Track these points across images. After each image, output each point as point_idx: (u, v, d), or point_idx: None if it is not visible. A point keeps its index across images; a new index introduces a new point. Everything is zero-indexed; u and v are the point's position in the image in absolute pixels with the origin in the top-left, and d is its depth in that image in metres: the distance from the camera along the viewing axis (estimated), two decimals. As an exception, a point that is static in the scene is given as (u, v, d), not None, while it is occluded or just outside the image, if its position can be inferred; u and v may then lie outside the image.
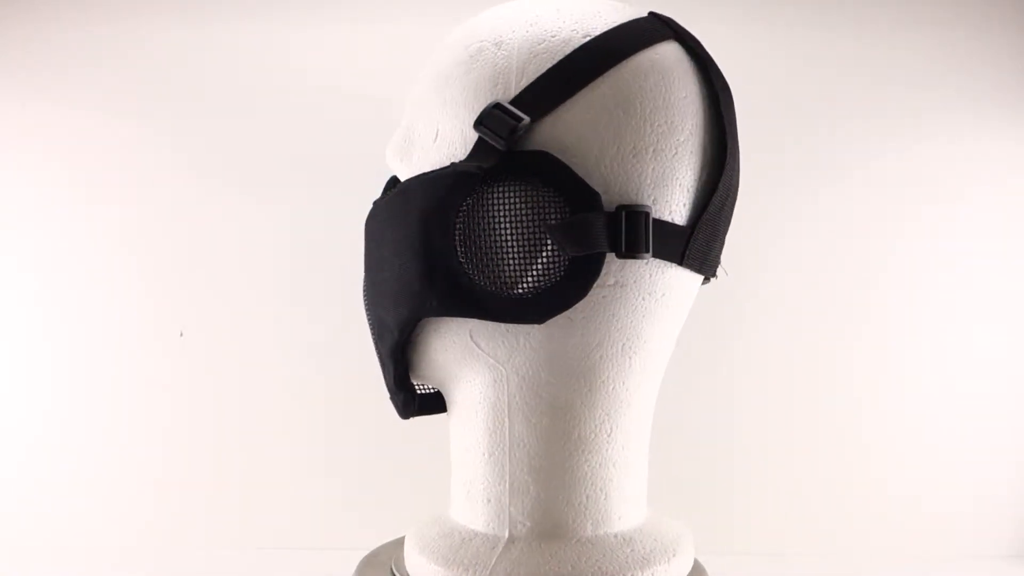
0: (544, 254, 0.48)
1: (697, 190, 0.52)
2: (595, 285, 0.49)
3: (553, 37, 0.50)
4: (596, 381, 0.52)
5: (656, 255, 0.50)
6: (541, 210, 0.48)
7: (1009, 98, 1.12)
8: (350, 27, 1.13)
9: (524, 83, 0.49)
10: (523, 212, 0.48)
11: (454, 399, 0.56)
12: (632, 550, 0.53)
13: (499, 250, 0.49)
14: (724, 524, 1.11)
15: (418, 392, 0.59)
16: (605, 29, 0.51)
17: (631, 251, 0.49)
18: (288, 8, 1.13)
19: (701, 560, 0.62)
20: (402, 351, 0.55)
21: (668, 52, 0.52)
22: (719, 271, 0.58)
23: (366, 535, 0.70)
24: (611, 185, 0.49)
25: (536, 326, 0.51)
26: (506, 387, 0.53)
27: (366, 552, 0.64)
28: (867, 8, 1.12)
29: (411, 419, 0.59)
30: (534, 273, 0.49)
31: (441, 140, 0.52)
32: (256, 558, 1.10)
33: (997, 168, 1.12)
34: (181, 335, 1.14)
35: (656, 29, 0.53)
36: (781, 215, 1.12)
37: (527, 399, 0.52)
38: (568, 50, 0.50)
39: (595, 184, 0.48)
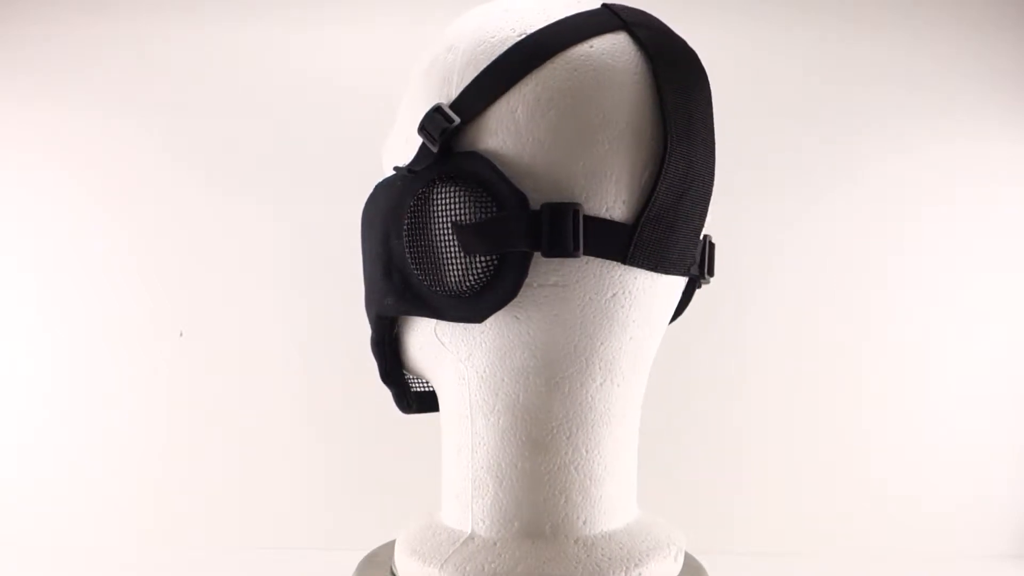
0: (479, 254, 0.49)
1: (641, 185, 0.49)
2: (534, 284, 0.49)
3: (492, 38, 0.50)
4: (551, 382, 0.52)
5: (591, 253, 0.48)
6: (469, 211, 0.48)
7: (1013, 100, 1.12)
8: (350, 27, 1.13)
9: (463, 85, 0.50)
10: (456, 213, 0.49)
11: (438, 396, 0.58)
12: (588, 556, 0.52)
13: (438, 250, 0.49)
14: (724, 524, 1.11)
15: (413, 388, 0.60)
16: (543, 26, 0.50)
17: (555, 249, 0.48)
18: (288, 9, 1.14)
19: (701, 560, 0.62)
20: (382, 346, 0.57)
21: (606, 44, 0.50)
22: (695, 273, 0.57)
23: (366, 535, 0.70)
24: (541, 182, 0.48)
25: (489, 325, 0.51)
26: (468, 385, 0.53)
27: (366, 552, 0.64)
28: (879, 10, 1.12)
29: (412, 419, 0.60)
30: (472, 273, 0.49)
31: (407, 144, 0.53)
32: (256, 558, 1.10)
33: (1000, 170, 1.12)
34: (181, 335, 1.14)
35: (599, 21, 0.51)
36: (781, 216, 1.12)
37: (486, 398, 0.53)
38: (503, 50, 0.50)
39: (525, 182, 0.48)
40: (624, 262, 0.49)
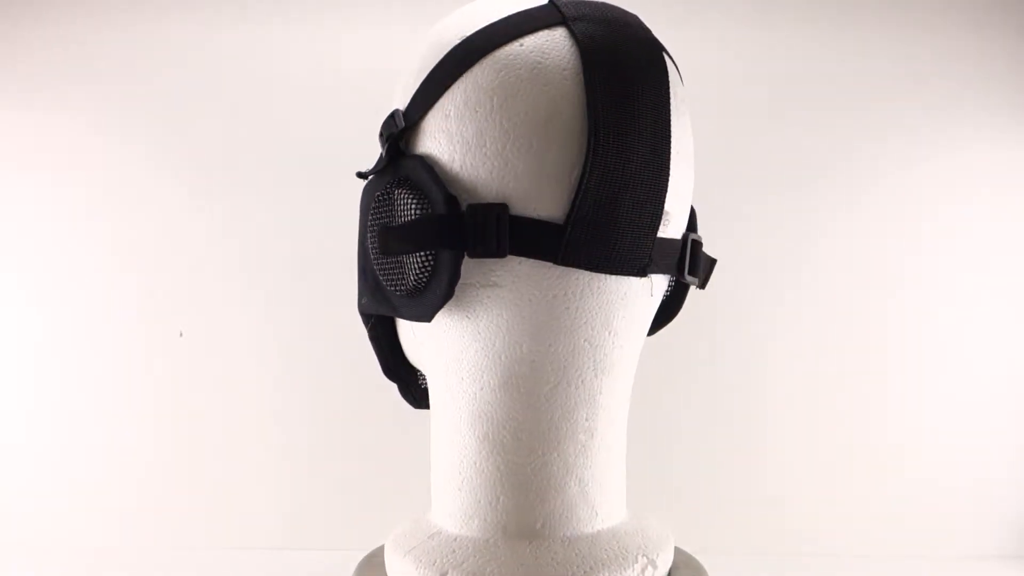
0: (419, 255, 0.50)
1: (570, 185, 0.48)
2: (476, 285, 0.50)
3: (439, 41, 0.51)
4: (505, 383, 0.52)
5: (521, 254, 0.48)
6: (409, 212, 0.50)
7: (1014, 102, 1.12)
8: (349, 27, 1.13)
9: (414, 90, 0.52)
10: (400, 215, 0.50)
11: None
12: (535, 560, 0.51)
13: None
14: (723, 524, 1.11)
15: (421, 384, 0.61)
16: (482, 26, 0.50)
17: (479, 250, 0.48)
18: (287, 9, 1.14)
19: (701, 560, 0.62)
20: (377, 342, 0.59)
21: (539, 41, 0.49)
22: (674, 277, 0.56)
23: (366, 535, 0.70)
24: (471, 184, 0.49)
25: (446, 324, 0.52)
26: (438, 382, 0.55)
27: (366, 552, 0.64)
28: (891, 10, 1.12)
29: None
30: (412, 272, 0.50)
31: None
32: (256, 558, 1.10)
33: (1006, 171, 1.12)
34: (181, 335, 1.14)
35: (537, 17, 0.50)
36: (782, 216, 1.12)
37: (452, 395, 0.54)
38: (444, 52, 0.51)
39: (458, 184, 0.49)
40: (557, 263, 0.48)
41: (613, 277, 0.50)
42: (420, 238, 0.48)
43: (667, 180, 0.49)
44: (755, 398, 1.13)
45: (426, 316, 0.51)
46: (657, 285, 0.54)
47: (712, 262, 0.57)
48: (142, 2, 1.14)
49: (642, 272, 0.50)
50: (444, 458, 0.55)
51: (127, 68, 1.14)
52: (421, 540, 0.55)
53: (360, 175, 0.54)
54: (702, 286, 0.57)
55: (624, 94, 0.48)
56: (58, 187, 1.15)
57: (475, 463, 0.53)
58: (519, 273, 0.50)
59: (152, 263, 1.14)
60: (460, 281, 0.49)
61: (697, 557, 0.62)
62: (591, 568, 0.51)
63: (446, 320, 0.52)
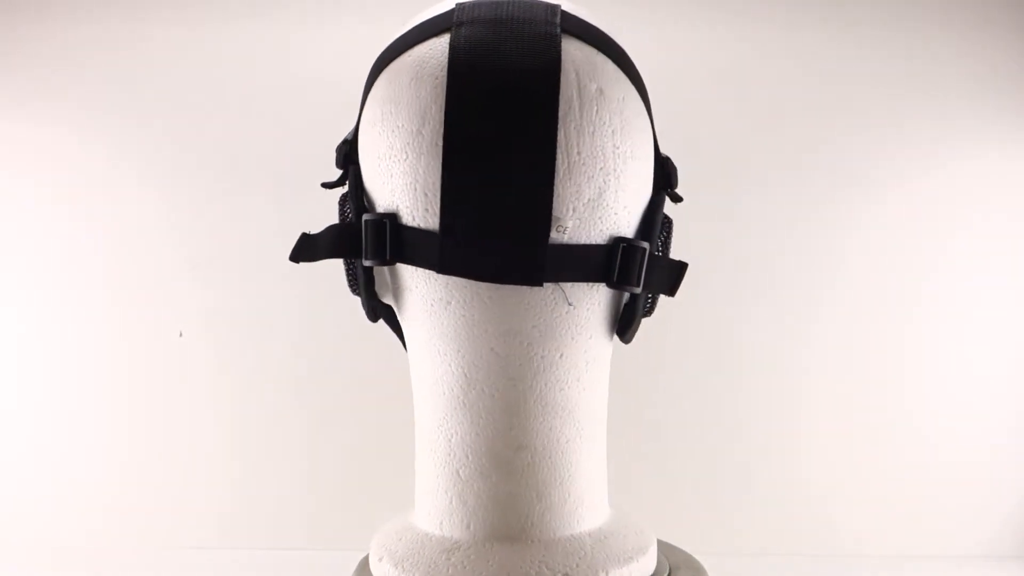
0: (346, 262, 0.55)
1: (439, 193, 0.48)
2: (401, 289, 0.53)
3: (378, 55, 0.54)
4: (433, 385, 0.54)
5: (409, 263, 0.50)
6: (344, 220, 0.54)
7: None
8: (348, 27, 1.13)
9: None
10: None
11: None
12: (447, 560, 0.52)
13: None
14: (723, 524, 1.11)
15: None
16: (394, 38, 0.52)
17: (371, 259, 0.51)
18: (286, 8, 1.14)
19: (701, 560, 0.62)
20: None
21: (424, 50, 0.49)
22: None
23: (366, 535, 0.70)
24: (373, 194, 0.52)
25: (406, 329, 0.55)
26: (413, 385, 0.57)
27: (366, 552, 0.64)
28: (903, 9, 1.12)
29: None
30: (348, 278, 0.56)
31: None
32: (256, 558, 1.10)
33: (1011, 173, 1.12)
34: (180, 335, 1.14)
35: (433, 24, 0.50)
36: (781, 215, 1.12)
37: (423, 398, 0.55)
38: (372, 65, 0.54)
39: (369, 194, 0.52)
40: (438, 271, 0.49)
41: (508, 286, 0.50)
42: (329, 245, 0.52)
43: (549, 186, 0.47)
44: (755, 398, 1.13)
45: (369, 317, 0.56)
46: (578, 294, 0.51)
47: (677, 266, 0.53)
48: (141, 2, 1.14)
49: (533, 281, 0.49)
50: (422, 459, 0.56)
51: (131, 67, 1.14)
52: (401, 541, 0.56)
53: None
54: (670, 293, 0.53)
55: (485, 99, 0.47)
56: (58, 187, 1.15)
57: (422, 462, 0.55)
58: (417, 280, 0.52)
59: (152, 263, 1.14)
60: (401, 288, 0.52)
61: (697, 557, 0.62)
62: (603, 563, 0.52)
63: (404, 324, 0.55)
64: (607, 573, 0.52)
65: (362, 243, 0.51)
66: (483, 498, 0.53)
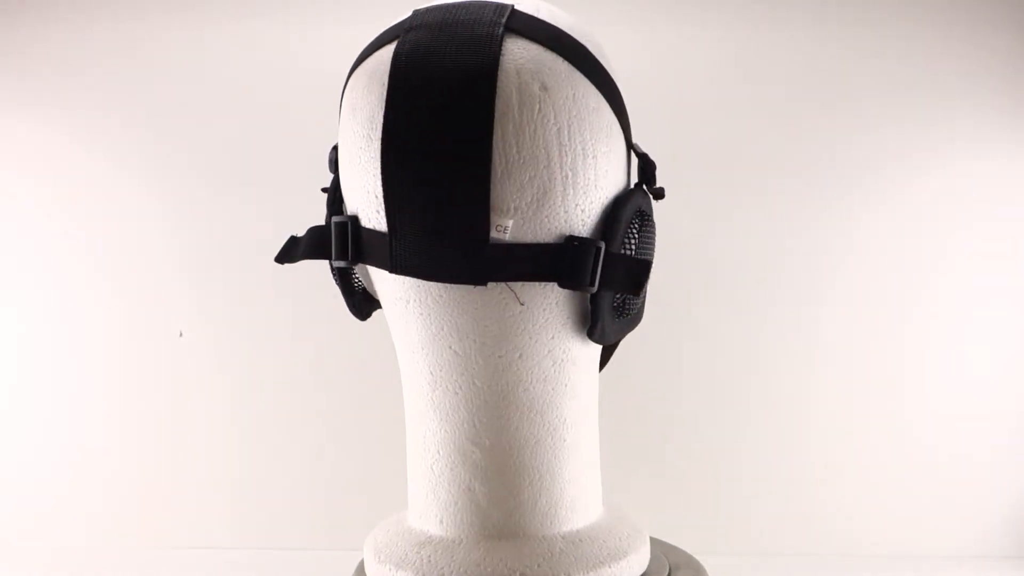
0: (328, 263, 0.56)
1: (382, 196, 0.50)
2: (372, 289, 0.56)
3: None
4: (407, 380, 0.55)
5: (368, 263, 0.52)
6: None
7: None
8: (347, 27, 1.13)
9: None
10: None
11: None
12: (418, 554, 0.54)
13: None
14: (724, 524, 1.11)
15: None
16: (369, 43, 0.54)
17: (338, 258, 0.53)
18: (286, 9, 1.14)
19: (701, 560, 0.62)
20: None
21: (378, 56, 0.51)
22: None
23: (366, 535, 0.70)
24: (345, 196, 0.54)
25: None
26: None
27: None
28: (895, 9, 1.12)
29: None
30: (333, 279, 0.58)
31: None
32: (256, 558, 1.10)
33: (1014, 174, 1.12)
34: (180, 335, 1.14)
35: (387, 32, 0.52)
36: (783, 215, 1.12)
37: (409, 394, 0.57)
38: None
39: (343, 196, 0.54)
40: (390, 271, 0.50)
41: (458, 286, 0.50)
42: (306, 247, 0.55)
43: (485, 187, 0.47)
44: (755, 398, 1.13)
45: (355, 315, 0.59)
46: (531, 294, 0.51)
47: (638, 265, 0.51)
48: (141, 2, 1.14)
49: (476, 280, 0.49)
50: (408, 455, 0.56)
51: (130, 66, 1.14)
52: (387, 533, 0.56)
53: (323, 190, 0.57)
54: (634, 292, 0.51)
55: (421, 103, 0.47)
56: (58, 188, 1.15)
57: (423, 460, 0.55)
58: (382, 281, 0.53)
59: (152, 263, 1.14)
60: (374, 288, 0.55)
61: (697, 557, 0.62)
62: (567, 567, 0.52)
63: (388, 322, 0.56)
64: None
65: (331, 245, 0.53)
66: (454, 494, 0.54)
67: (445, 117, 0.47)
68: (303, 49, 1.13)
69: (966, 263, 1.12)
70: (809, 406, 1.13)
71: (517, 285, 0.50)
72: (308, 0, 1.13)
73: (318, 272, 1.09)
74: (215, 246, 1.14)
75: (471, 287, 0.50)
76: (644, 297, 0.56)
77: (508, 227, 0.48)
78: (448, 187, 0.48)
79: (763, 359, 1.13)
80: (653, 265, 0.55)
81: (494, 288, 0.50)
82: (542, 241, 0.49)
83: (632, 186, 0.55)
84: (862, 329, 1.12)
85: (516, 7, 0.50)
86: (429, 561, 0.53)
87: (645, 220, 0.53)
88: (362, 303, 0.58)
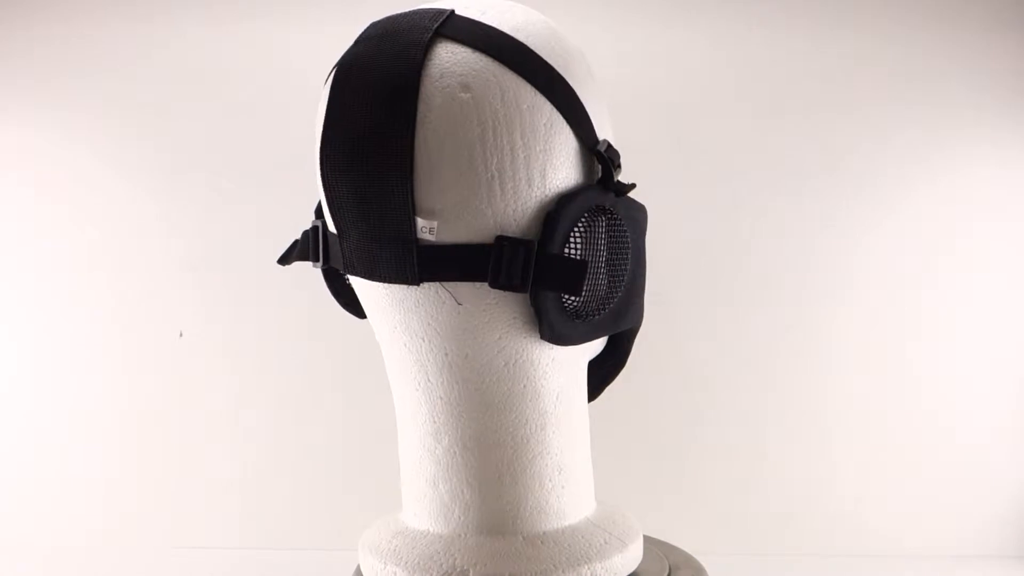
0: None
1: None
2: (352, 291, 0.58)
3: None
4: (389, 376, 0.57)
5: (333, 265, 0.55)
6: None
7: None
8: (347, 27, 1.13)
9: None
10: None
11: None
12: (410, 548, 0.55)
13: None
14: (724, 524, 1.11)
15: None
16: None
17: (314, 261, 0.57)
18: (287, 9, 1.14)
19: (701, 560, 0.62)
20: None
21: (334, 69, 0.52)
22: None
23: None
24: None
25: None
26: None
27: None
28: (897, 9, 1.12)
29: None
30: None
31: None
32: (256, 558, 1.10)
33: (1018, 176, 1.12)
34: (180, 335, 1.14)
35: (350, 44, 0.53)
36: (794, 217, 1.12)
37: (398, 390, 0.59)
38: None
39: None
40: (343, 272, 0.54)
41: (398, 286, 0.51)
42: (297, 251, 0.58)
43: (406, 192, 0.48)
44: (755, 398, 1.13)
45: (353, 315, 0.61)
46: (467, 294, 0.50)
47: (574, 265, 0.49)
48: (141, 3, 1.14)
49: (407, 280, 0.50)
50: (408, 457, 0.57)
51: (129, 66, 1.14)
52: (390, 538, 0.56)
53: None
54: (573, 292, 0.49)
55: (348, 112, 0.49)
56: (58, 188, 1.15)
57: (403, 454, 0.57)
58: (351, 281, 0.57)
59: (152, 263, 1.14)
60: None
61: (697, 557, 0.62)
62: (520, 569, 0.52)
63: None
64: None
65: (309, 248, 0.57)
66: (422, 487, 0.56)
67: (370, 125, 0.48)
68: (304, 49, 1.13)
69: (966, 266, 1.12)
70: (809, 407, 1.13)
71: (452, 285, 0.50)
72: (308, 0, 1.13)
73: (318, 272, 1.10)
74: (215, 246, 1.14)
75: (410, 287, 0.51)
76: (634, 300, 0.54)
77: (434, 228, 0.49)
78: (376, 192, 0.49)
79: (763, 360, 1.13)
80: (649, 265, 0.55)
81: (430, 288, 0.51)
82: (472, 241, 0.49)
83: (591, 183, 0.52)
84: (862, 331, 1.12)
85: (456, 11, 0.50)
86: (395, 552, 0.55)
87: (598, 218, 0.51)
88: (347, 302, 0.61)
